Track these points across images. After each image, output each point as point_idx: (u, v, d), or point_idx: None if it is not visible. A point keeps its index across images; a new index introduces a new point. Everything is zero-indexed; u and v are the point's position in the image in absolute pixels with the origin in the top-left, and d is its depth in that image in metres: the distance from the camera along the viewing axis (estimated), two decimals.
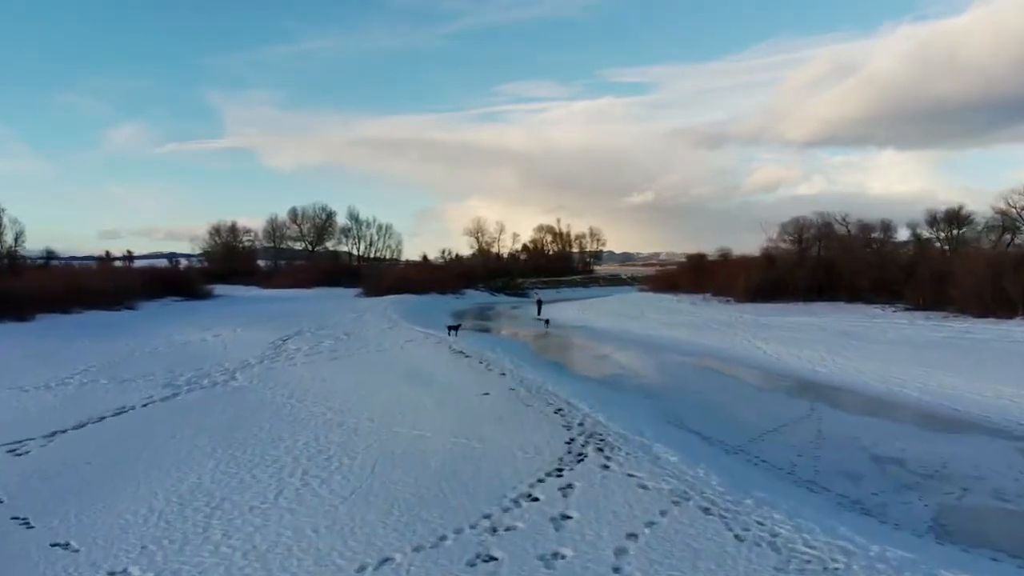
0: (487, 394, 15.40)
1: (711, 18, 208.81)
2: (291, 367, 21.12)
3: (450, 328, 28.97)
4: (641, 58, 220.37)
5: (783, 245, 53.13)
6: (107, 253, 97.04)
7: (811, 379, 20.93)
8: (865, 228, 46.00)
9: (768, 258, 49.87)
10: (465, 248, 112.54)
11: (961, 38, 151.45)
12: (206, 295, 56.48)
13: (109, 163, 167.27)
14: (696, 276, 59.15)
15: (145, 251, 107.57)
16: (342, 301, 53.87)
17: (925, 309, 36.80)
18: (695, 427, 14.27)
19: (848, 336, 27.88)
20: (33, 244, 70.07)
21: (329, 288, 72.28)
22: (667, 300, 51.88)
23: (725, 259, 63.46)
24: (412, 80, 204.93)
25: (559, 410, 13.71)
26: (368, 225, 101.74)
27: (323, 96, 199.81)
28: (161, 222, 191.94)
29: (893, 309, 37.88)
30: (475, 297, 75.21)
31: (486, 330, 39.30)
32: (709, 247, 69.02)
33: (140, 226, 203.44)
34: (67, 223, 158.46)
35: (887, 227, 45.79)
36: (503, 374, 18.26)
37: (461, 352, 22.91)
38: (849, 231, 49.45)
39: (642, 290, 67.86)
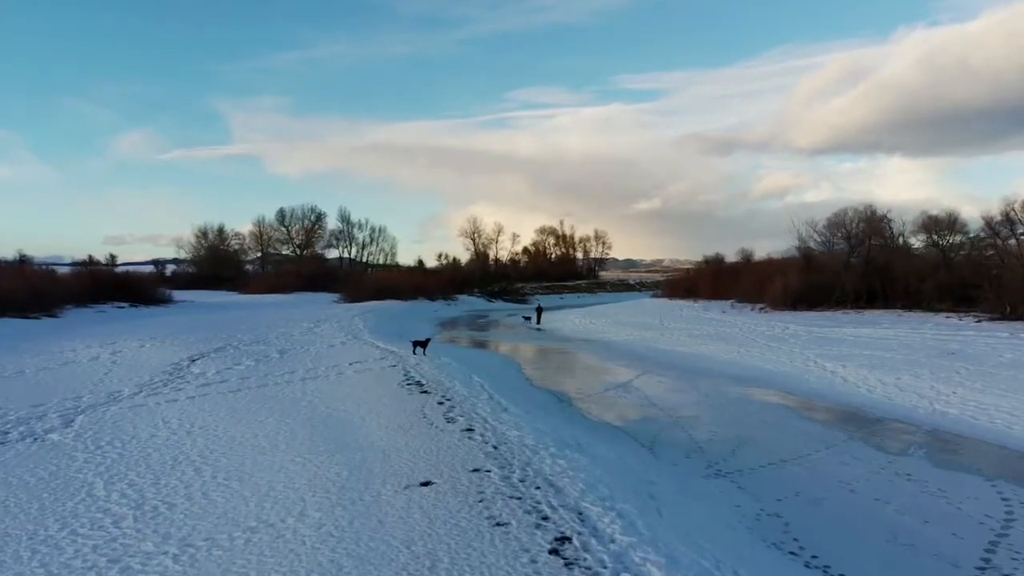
0: (427, 484, 8.19)
1: (723, 24, 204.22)
2: (167, 405, 14.41)
3: (416, 344, 21.74)
4: (651, 64, 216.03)
5: (815, 246, 45.94)
6: (89, 257, 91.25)
7: (943, 428, 13.76)
8: (929, 224, 38.53)
9: (808, 260, 42.55)
10: (465, 252, 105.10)
11: (973, 43, 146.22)
12: (161, 301, 49.47)
13: (116, 169, 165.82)
14: (717, 281, 52.06)
15: (150, 257, 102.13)
16: (312, 308, 46.90)
17: (1014, 319, 29.61)
18: (830, 554, 7.15)
19: (952, 356, 20.63)
20: (38, 251, 67.27)
21: (311, 294, 65.93)
22: (688, 307, 44.70)
23: (748, 262, 56.50)
24: (421, 86, 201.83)
25: (561, 539, 6.48)
26: (360, 227, 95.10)
27: (331, 103, 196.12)
28: (167, 228, 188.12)
29: (975, 319, 30.59)
30: (469, 303, 68.16)
31: (471, 343, 32.12)
32: (714, 253, 61.88)
33: (146, 232, 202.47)
34: (73, 229, 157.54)
35: (952, 224, 38.31)
36: (469, 429, 11.01)
37: (418, 383, 15.67)
38: (903, 229, 42.12)
39: (656, 296, 60.58)
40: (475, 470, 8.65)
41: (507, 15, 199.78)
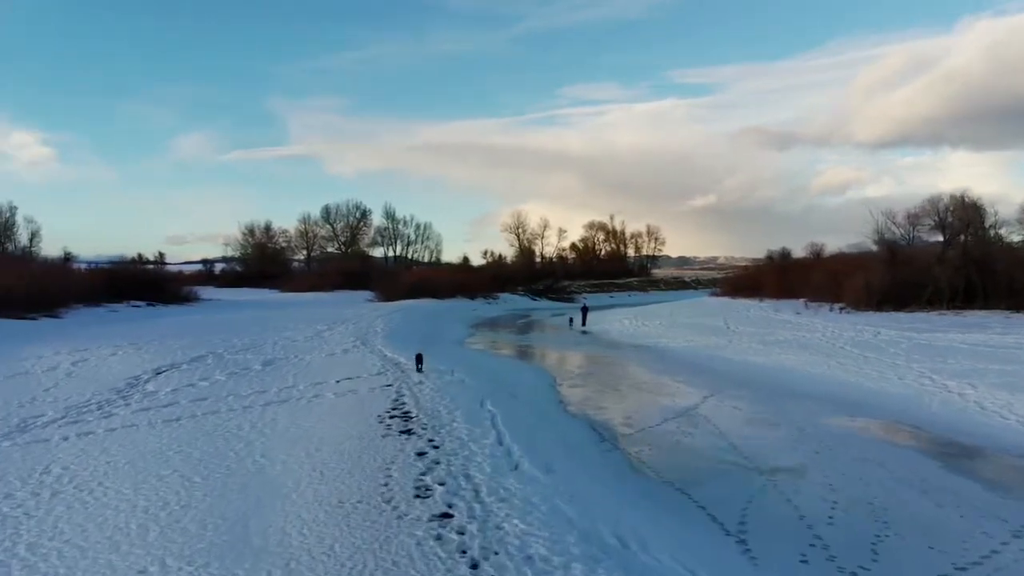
0: None
1: (780, 16, 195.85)
2: (74, 439, 11.23)
3: (418, 359, 17.39)
4: (706, 58, 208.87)
5: (894, 238, 40.46)
6: (139, 255, 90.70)
7: None
8: None
9: (893, 253, 37.20)
10: (510, 249, 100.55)
11: None
12: (184, 300, 46.71)
13: (177, 170, 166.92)
14: (784, 278, 46.90)
15: (210, 256, 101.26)
16: (340, 308, 43.56)
17: None
18: None
19: None
20: (104, 250, 68.20)
21: (350, 292, 62.87)
22: (755, 307, 39.73)
23: (818, 258, 51.13)
24: (474, 85, 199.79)
25: None
26: (405, 224, 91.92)
27: (386, 102, 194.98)
28: (226, 228, 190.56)
29: None
30: (511, 302, 64.05)
31: (502, 349, 27.96)
32: (780, 248, 56.69)
33: (206, 231, 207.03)
34: (137, 229, 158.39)
35: None
36: (445, 515, 6.79)
37: (405, 416, 11.58)
38: (995, 219, 36.52)
39: (715, 294, 55.49)
40: None
41: (559, 11, 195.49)
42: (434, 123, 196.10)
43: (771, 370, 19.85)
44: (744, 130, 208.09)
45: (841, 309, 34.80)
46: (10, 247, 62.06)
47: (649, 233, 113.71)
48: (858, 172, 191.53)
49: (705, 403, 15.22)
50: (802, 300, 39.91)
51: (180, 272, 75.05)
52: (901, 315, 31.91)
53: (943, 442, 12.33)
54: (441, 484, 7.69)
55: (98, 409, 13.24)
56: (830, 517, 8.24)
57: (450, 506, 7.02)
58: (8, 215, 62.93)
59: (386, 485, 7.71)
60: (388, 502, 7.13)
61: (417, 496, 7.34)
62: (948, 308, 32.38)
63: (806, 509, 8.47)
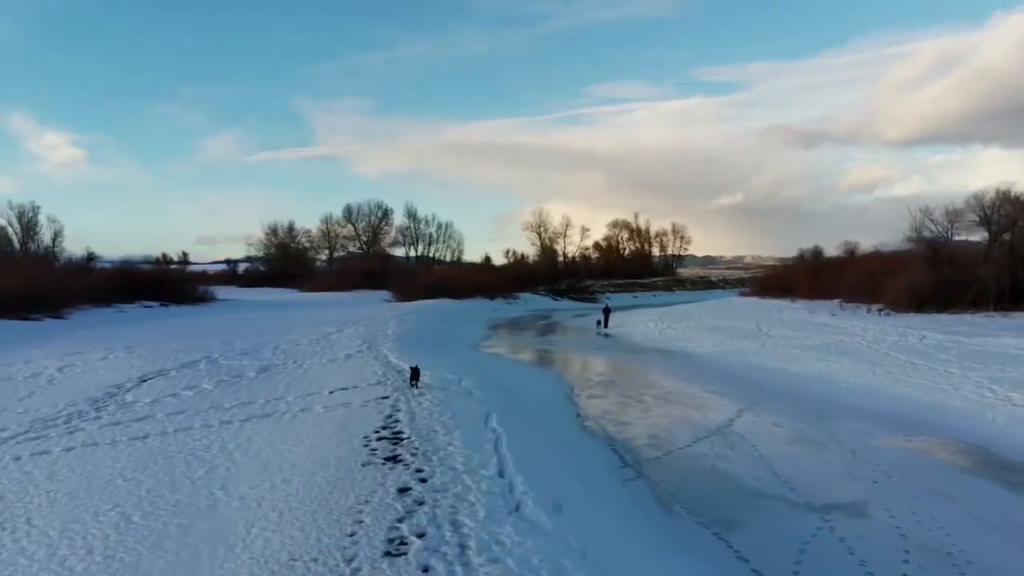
0: None
1: (807, 13, 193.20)
2: (27, 459, 9.86)
3: (413, 374, 15.18)
4: (734, 56, 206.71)
5: (929, 235, 38.28)
6: (163, 255, 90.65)
7: None
8: None
9: (935, 251, 35.11)
10: (532, 248, 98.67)
11: None
12: (197, 300, 45.79)
13: (206, 171, 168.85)
14: (816, 277, 44.89)
15: (239, 256, 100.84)
16: (355, 308, 42.35)
17: None
18: None
19: None
20: (135, 250, 68.66)
21: (368, 292, 61.79)
22: (788, 309, 37.80)
23: (852, 256, 49.04)
24: (499, 84, 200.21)
25: None
26: (427, 223, 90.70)
27: (410, 103, 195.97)
28: (254, 228, 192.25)
29: None
30: (532, 302, 62.35)
31: (518, 353, 26.37)
32: (812, 247, 55.00)
33: (235, 232, 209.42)
34: (169, 229, 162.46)
35: None
36: None
37: (396, 437, 10.13)
38: None
39: (744, 295, 53.45)
40: None
41: (584, 10, 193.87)
42: (459, 123, 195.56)
43: (811, 379, 18.10)
44: (770, 128, 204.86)
45: (880, 311, 32.82)
46: (32, 247, 61.92)
47: (674, 232, 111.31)
48: (887, 170, 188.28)
49: (740, 418, 13.57)
50: (836, 301, 37.97)
51: (204, 272, 74.61)
52: (944, 317, 29.97)
53: (1018, 467, 10.66)
54: (420, 536, 6.19)
55: (65, 423, 11.97)
56: (904, 575, 6.65)
57: (426, 571, 5.53)
58: (31, 215, 62.75)
59: (352, 535, 6.23)
60: (349, 562, 5.65)
61: (387, 553, 5.84)
62: (995, 309, 30.39)
63: (874, 562, 6.88)
